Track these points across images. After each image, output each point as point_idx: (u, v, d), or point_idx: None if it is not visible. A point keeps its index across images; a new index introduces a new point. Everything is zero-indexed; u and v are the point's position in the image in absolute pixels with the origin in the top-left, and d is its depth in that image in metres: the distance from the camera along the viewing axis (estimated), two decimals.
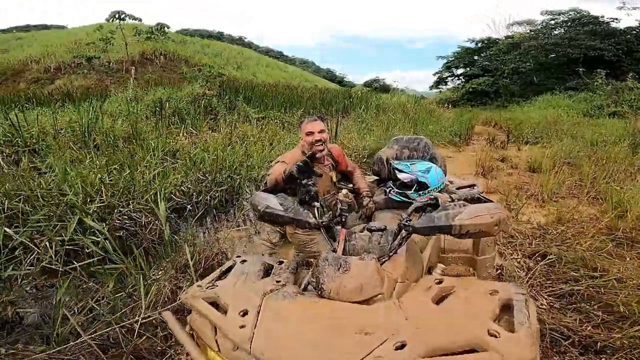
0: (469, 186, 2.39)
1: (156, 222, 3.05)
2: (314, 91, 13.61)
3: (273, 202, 1.40)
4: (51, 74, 17.52)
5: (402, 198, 2.13)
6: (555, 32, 26.18)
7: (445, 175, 2.27)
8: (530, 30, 28.29)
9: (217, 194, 3.91)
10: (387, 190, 2.16)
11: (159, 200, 2.52)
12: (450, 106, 18.83)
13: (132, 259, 2.46)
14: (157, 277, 2.45)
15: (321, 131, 2.11)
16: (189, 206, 3.56)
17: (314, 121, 2.14)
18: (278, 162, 2.04)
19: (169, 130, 6.21)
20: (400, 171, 2.08)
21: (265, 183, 1.95)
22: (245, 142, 6.52)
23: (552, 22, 26.77)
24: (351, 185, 2.55)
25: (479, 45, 32.94)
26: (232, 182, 4.29)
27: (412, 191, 2.08)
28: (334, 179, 2.33)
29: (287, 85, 15.48)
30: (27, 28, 36.81)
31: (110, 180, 3.13)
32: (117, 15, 9.52)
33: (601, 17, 24.85)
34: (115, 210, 2.91)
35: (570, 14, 25.83)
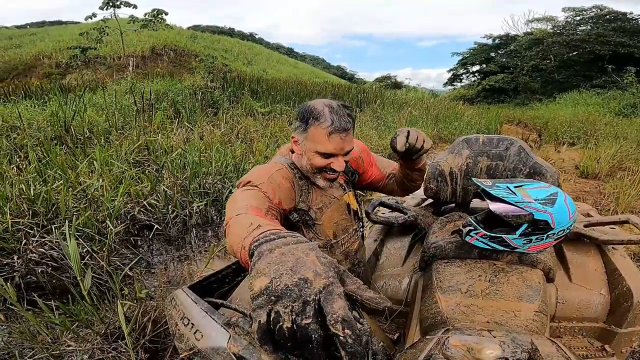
0: (620, 222, 1.43)
1: (102, 250, 2.14)
2: (325, 85, 12.63)
3: (212, 339, 0.46)
4: (62, 68, 17.34)
5: (495, 245, 1.16)
6: (581, 29, 24.97)
7: None
8: (553, 27, 27.04)
9: (199, 207, 2.97)
10: (465, 231, 1.19)
11: (66, 229, 1.55)
12: (466, 103, 17.83)
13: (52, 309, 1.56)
14: (73, 347, 1.52)
15: (348, 153, 1.07)
16: (156, 225, 2.63)
17: (345, 131, 1.02)
18: (249, 184, 0.98)
19: (159, 124, 5.33)
20: (495, 198, 1.11)
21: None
22: (247, 136, 5.63)
23: (577, 18, 25.48)
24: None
25: (497, 41, 31.78)
26: (222, 189, 3.36)
27: (518, 235, 1.11)
28: (354, 205, 1.27)
29: (298, 81, 14.52)
30: (42, 24, 36.78)
31: (34, 193, 2.20)
32: (110, 3, 8.64)
33: (629, 13, 23.60)
34: (33, 239, 1.98)
35: (594, 11, 24.56)
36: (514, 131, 12.00)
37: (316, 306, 0.44)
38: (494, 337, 0.70)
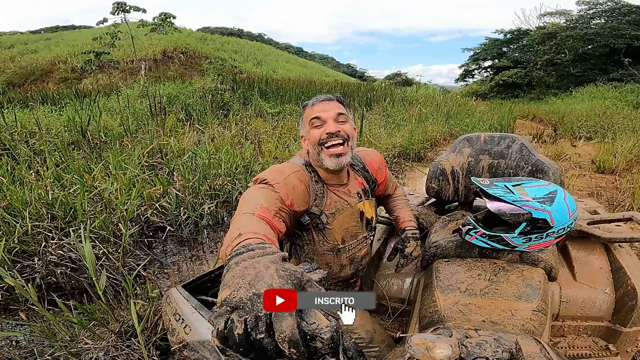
0: (624, 220, 1.43)
1: (117, 252, 2.22)
2: (334, 84, 12.64)
3: (200, 333, 0.50)
4: (78, 73, 17.65)
5: (494, 244, 1.18)
6: (595, 22, 24.44)
7: None
8: (566, 21, 26.54)
9: (210, 208, 3.04)
10: (465, 230, 1.21)
11: (82, 235, 1.62)
12: (478, 99, 17.65)
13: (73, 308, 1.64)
14: (90, 344, 1.59)
15: (340, 117, 1.09)
16: (168, 227, 2.70)
17: (326, 100, 1.11)
18: (265, 182, 1.01)
19: (171, 127, 5.44)
20: (493, 197, 1.13)
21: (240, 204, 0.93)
22: (257, 137, 5.71)
23: (591, 11, 24.92)
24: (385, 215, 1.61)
25: (508, 36, 31.29)
26: (232, 189, 3.42)
27: (517, 233, 1.13)
28: (369, 214, 1.28)
29: (307, 80, 14.54)
30: (55, 29, 37.57)
31: (53, 198, 2.30)
32: (120, 8, 8.84)
33: None
34: (52, 242, 2.07)
35: (609, 4, 23.98)
36: (528, 126, 11.80)
37: (268, 321, 0.47)
38: (480, 336, 0.72)
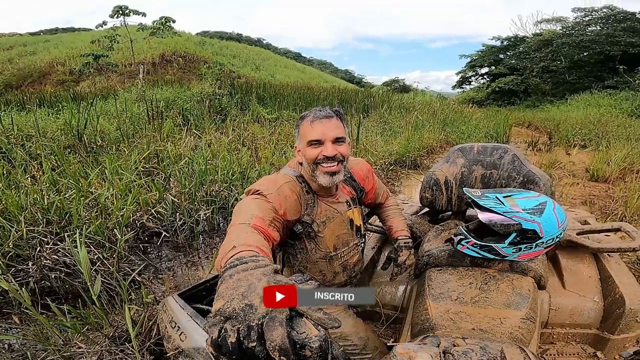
0: (613, 230, 1.45)
1: (112, 257, 2.22)
2: (332, 90, 12.70)
3: (195, 340, 0.54)
4: (76, 75, 17.59)
5: (485, 254, 1.20)
6: (590, 29, 24.69)
7: None
8: (562, 28, 26.82)
9: (206, 215, 3.04)
10: (457, 240, 1.23)
11: (78, 240, 1.63)
12: (475, 106, 17.82)
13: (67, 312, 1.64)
14: (83, 349, 1.59)
15: (338, 140, 1.10)
16: (164, 232, 2.70)
17: (326, 118, 1.09)
18: (258, 193, 1.03)
19: (168, 132, 5.44)
20: (484, 208, 1.15)
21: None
22: (254, 143, 5.72)
23: (586, 18, 25.20)
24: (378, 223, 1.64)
25: (505, 43, 31.58)
26: (228, 196, 3.42)
27: (507, 243, 1.15)
28: (357, 222, 1.31)
29: (305, 85, 14.58)
30: (55, 31, 37.53)
31: (48, 203, 2.30)
32: (120, 11, 8.87)
33: (639, 13, 23.27)
34: (47, 246, 2.08)
35: (604, 11, 24.26)
36: (523, 134, 11.89)
37: (259, 330, 0.50)
38: (467, 344, 0.74)
